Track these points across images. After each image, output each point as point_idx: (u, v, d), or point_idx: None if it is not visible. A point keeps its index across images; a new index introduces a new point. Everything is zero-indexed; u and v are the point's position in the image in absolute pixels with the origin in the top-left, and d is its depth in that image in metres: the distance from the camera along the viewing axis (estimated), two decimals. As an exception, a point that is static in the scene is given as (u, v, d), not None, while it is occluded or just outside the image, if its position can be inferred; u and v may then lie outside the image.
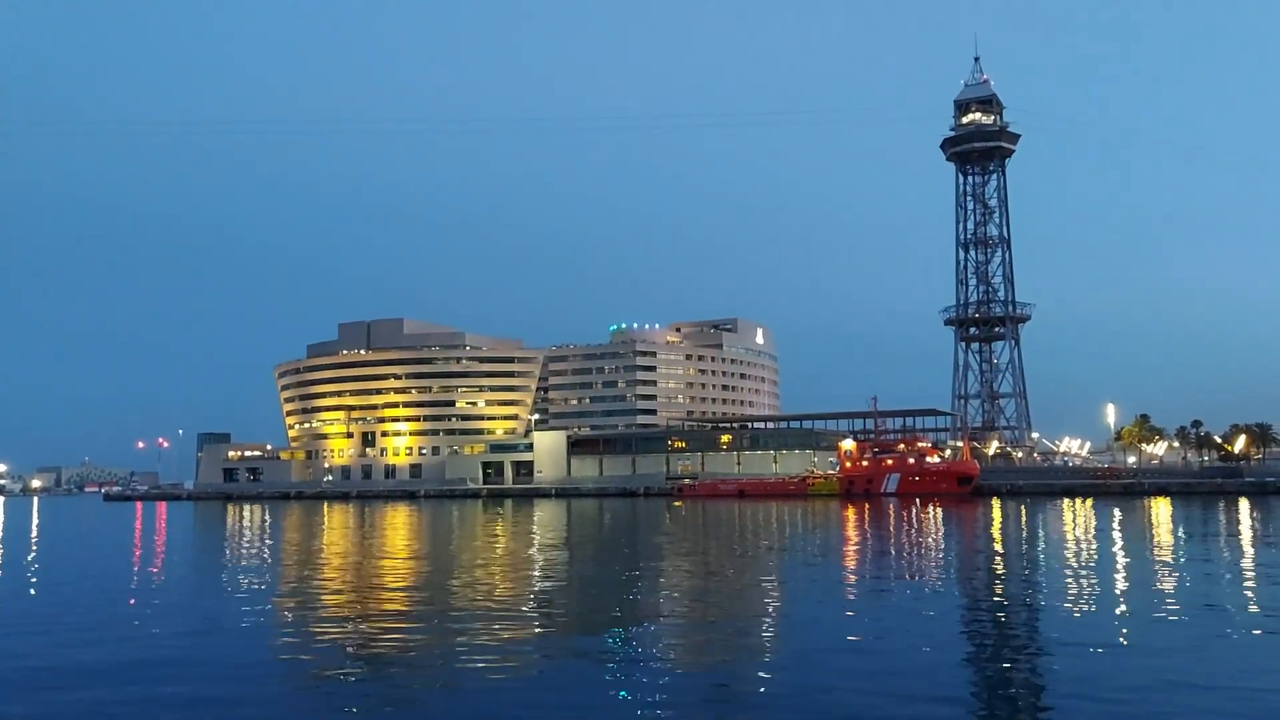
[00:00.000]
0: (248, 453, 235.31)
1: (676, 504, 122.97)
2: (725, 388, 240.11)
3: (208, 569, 47.26)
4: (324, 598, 34.07)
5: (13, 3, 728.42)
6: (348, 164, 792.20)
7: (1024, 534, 61.33)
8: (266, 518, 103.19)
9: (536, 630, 26.62)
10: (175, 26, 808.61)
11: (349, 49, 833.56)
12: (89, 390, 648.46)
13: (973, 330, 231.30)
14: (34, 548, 64.05)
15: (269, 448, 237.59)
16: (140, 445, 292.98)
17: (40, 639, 26.09)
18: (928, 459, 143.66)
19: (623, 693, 18.91)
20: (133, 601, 33.99)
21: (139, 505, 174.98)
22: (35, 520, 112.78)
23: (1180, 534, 59.21)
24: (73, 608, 32.16)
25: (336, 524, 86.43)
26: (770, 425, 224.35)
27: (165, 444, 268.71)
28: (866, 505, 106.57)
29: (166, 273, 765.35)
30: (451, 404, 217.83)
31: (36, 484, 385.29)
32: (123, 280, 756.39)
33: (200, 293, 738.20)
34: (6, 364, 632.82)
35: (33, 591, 38.54)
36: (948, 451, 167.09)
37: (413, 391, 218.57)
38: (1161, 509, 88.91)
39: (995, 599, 31.95)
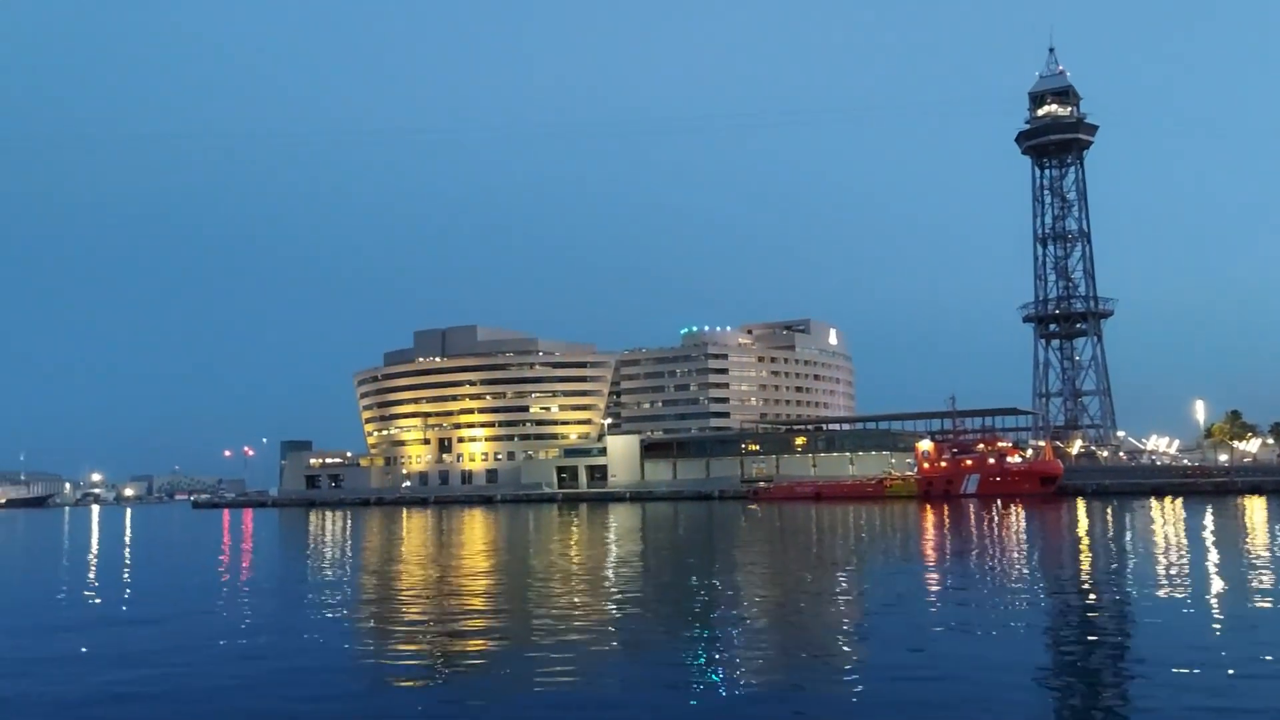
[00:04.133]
0: (329, 460, 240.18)
1: (752, 507, 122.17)
2: (799, 389, 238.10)
3: (292, 574, 48.28)
4: (403, 601, 34.51)
5: (49, 9, 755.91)
6: (421, 175, 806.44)
7: (1111, 536, 59.53)
8: (348, 523, 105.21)
9: (610, 639, 26.55)
10: (257, 39, 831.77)
11: (417, 60, 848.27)
12: (178, 402, 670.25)
13: (1053, 327, 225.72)
14: (128, 558, 66.15)
15: (349, 455, 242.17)
16: (227, 454, 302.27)
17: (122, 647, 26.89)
18: (1008, 459, 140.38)
19: (693, 701, 18.77)
20: (222, 603, 34.87)
21: (226, 512, 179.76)
22: (128, 528, 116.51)
23: None
24: (166, 612, 33.13)
25: (415, 529, 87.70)
26: (845, 426, 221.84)
27: (251, 452, 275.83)
28: (945, 507, 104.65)
29: (249, 285, 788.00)
30: (525, 409, 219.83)
31: (129, 492, 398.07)
32: (209, 295, 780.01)
33: (282, 304, 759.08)
34: (103, 378, 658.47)
35: (124, 608, 39.57)
36: (1029, 451, 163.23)
37: (487, 398, 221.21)
38: (1257, 508, 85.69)
39: (1084, 609, 30.93)
